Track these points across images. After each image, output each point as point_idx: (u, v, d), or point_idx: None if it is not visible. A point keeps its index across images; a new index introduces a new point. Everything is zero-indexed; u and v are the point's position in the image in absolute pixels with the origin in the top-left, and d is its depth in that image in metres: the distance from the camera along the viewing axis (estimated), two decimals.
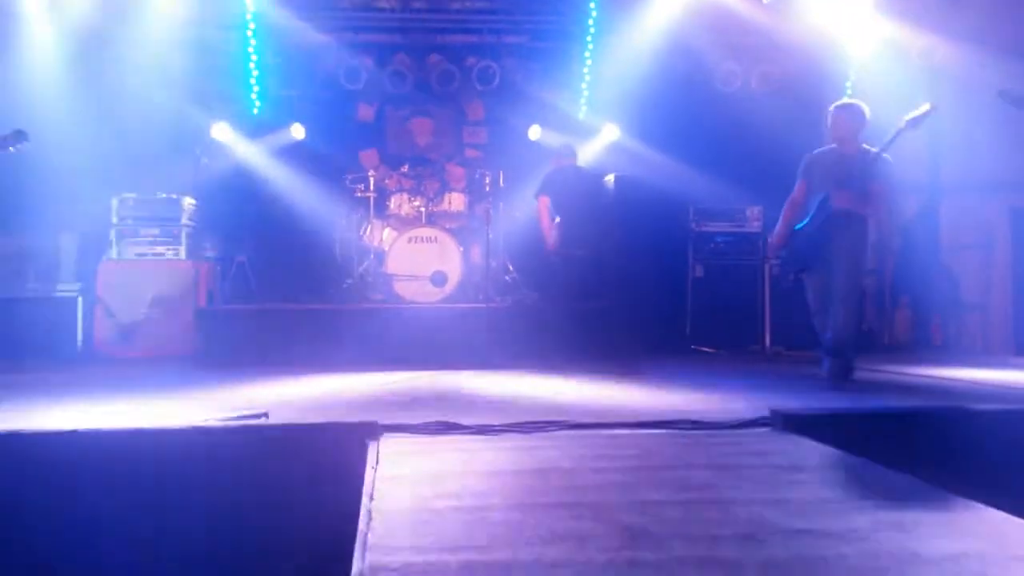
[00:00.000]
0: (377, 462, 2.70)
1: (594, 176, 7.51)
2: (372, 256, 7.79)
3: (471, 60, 8.70)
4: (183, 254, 7.27)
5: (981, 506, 2.14)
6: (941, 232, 8.59)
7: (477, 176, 8.15)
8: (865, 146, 4.99)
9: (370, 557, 1.76)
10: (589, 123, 8.71)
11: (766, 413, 3.42)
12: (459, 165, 8.89)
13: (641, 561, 1.76)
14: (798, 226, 5.12)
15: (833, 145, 5.11)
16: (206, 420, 3.24)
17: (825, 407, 3.90)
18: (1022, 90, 4.96)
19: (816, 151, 5.20)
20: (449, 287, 7.38)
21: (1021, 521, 2.01)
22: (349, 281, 7.73)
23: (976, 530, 1.97)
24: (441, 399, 4.41)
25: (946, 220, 8.58)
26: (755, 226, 8.03)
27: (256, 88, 8.27)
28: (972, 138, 7.73)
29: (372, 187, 7.91)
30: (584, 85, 8.63)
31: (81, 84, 7.43)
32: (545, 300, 7.28)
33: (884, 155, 4.85)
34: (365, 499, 2.25)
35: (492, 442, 3.09)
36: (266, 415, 3.46)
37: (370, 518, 2.04)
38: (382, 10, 8.65)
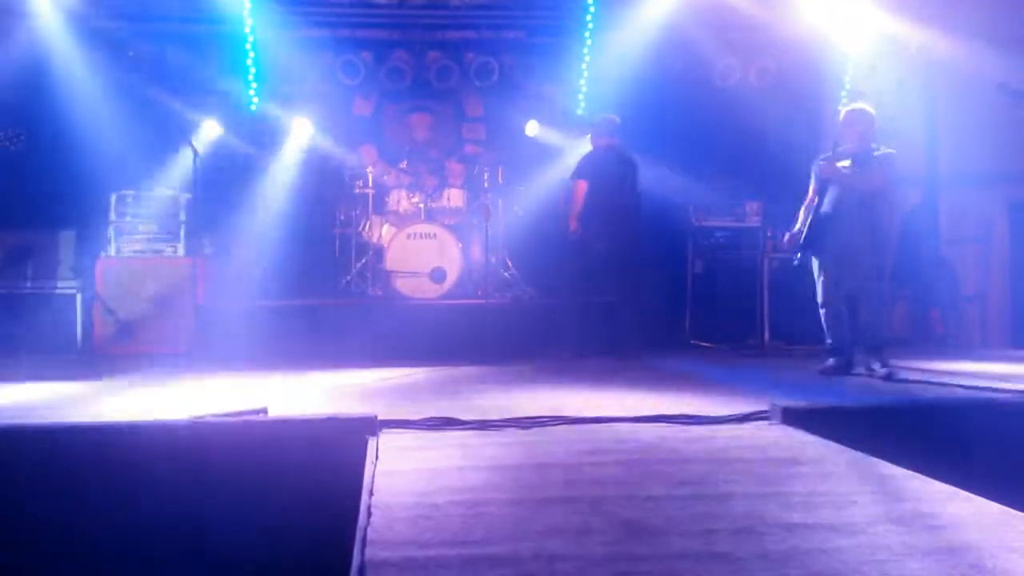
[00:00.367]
0: (376, 457, 2.71)
1: (628, 162, 7.02)
2: (371, 252, 7.78)
3: (470, 56, 8.67)
4: (182, 251, 7.26)
5: (979, 499, 2.15)
6: (940, 225, 8.60)
7: (476, 172, 8.11)
8: (873, 146, 5.09)
9: (370, 552, 1.76)
10: (588, 118, 8.68)
11: (765, 407, 3.42)
12: (458, 161, 8.86)
13: (640, 555, 1.76)
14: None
15: (843, 146, 5.17)
16: (205, 415, 3.24)
17: (824, 401, 3.90)
18: (1021, 84, 4.98)
19: (825, 155, 5.23)
20: (448, 283, 7.37)
21: (1019, 514, 2.02)
22: (348, 277, 7.73)
23: (974, 523, 1.97)
24: (440, 394, 4.41)
25: (945, 213, 8.57)
26: (754, 221, 8.00)
27: (254, 84, 8.24)
28: (971, 132, 7.73)
29: (371, 183, 7.90)
30: (583, 80, 8.61)
31: (80, 81, 7.42)
32: (547, 293, 7.21)
33: (890, 152, 4.92)
34: (365, 494, 2.25)
35: (491, 437, 3.10)
36: (265, 410, 3.46)
37: (370, 513, 2.05)
38: (380, 6, 8.62)
